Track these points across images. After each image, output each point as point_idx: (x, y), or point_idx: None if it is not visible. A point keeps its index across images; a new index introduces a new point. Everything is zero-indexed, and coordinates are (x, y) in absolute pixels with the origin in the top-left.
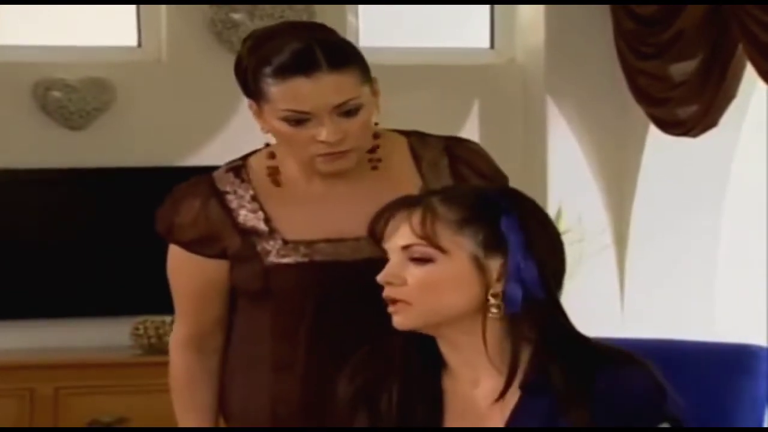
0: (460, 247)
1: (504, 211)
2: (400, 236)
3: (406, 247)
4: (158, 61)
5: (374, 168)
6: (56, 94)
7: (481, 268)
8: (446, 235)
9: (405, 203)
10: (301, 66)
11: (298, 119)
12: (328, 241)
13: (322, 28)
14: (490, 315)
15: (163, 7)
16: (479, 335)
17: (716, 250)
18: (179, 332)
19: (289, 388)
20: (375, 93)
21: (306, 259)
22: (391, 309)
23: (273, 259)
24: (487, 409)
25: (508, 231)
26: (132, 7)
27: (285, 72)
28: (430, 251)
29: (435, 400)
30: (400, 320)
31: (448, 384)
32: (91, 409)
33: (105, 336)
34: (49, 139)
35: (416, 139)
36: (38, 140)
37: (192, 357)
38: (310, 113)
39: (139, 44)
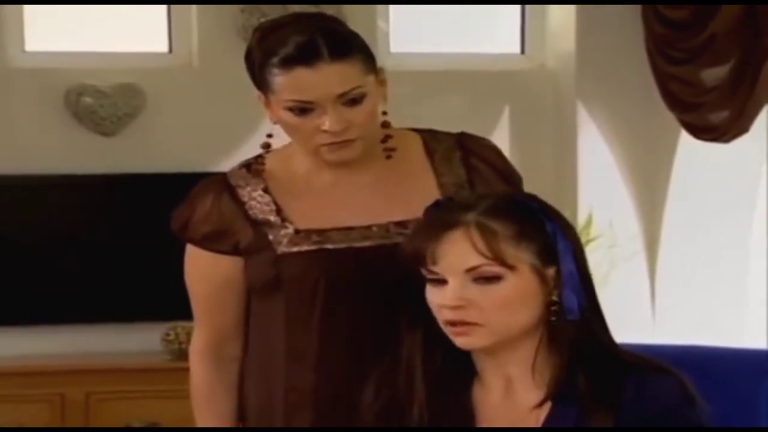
0: (523, 261)
1: (546, 218)
2: (464, 258)
3: (472, 269)
4: (189, 66)
5: (389, 157)
6: (88, 99)
7: (542, 279)
8: (509, 251)
9: (444, 224)
10: (303, 56)
11: (303, 109)
12: (339, 229)
13: (328, 18)
14: (552, 323)
15: (194, 12)
16: (524, 347)
17: (747, 255)
18: (198, 340)
19: (303, 377)
20: (381, 82)
21: (316, 247)
22: (457, 330)
23: (284, 248)
24: (521, 419)
25: (555, 238)
26: (163, 13)
27: (288, 63)
28: (498, 270)
29: (466, 411)
30: (471, 341)
31: (479, 393)
32: (121, 415)
33: (136, 341)
34: (81, 145)
35: (429, 135)
36: (70, 146)
37: (211, 365)
38: (314, 103)
39: (170, 50)
